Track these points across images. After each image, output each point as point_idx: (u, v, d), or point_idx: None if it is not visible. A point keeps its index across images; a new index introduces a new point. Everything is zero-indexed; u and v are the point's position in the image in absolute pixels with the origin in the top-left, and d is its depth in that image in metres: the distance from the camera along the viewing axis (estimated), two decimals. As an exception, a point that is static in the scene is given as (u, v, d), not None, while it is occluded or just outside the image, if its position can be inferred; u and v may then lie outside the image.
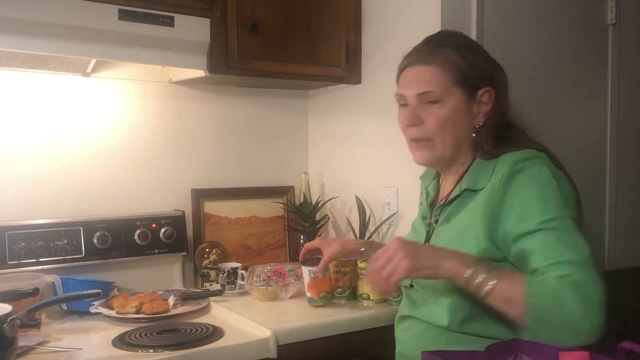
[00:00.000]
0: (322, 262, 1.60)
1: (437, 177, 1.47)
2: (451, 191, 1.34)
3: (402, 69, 1.36)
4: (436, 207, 1.38)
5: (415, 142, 1.34)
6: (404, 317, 1.39)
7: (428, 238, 1.37)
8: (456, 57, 1.28)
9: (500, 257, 1.20)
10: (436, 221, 1.36)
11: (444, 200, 1.36)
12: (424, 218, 1.44)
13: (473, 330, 1.22)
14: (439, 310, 1.25)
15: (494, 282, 1.09)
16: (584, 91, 2.05)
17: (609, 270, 2.04)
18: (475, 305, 1.18)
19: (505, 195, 1.19)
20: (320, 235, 2.10)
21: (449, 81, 1.28)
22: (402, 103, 1.36)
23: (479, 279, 1.10)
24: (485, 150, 1.29)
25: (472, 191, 1.28)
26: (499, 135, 1.30)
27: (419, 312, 1.32)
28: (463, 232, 1.25)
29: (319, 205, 2.14)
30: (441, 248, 1.20)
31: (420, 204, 1.51)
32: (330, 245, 1.61)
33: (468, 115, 1.30)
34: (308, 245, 1.69)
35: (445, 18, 1.73)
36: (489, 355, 1.02)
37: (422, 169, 1.79)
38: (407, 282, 1.36)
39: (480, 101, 1.30)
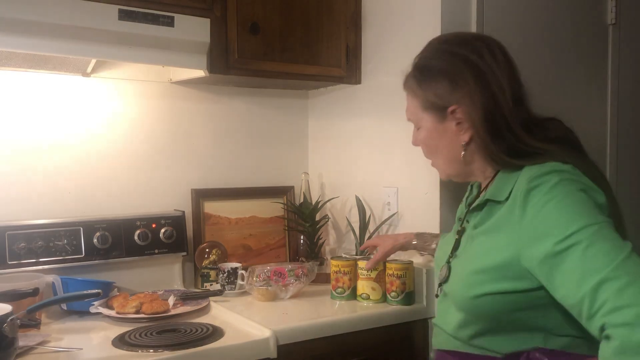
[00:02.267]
0: (375, 258, 1.71)
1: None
2: (477, 197, 1.31)
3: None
4: (467, 211, 1.33)
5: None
6: (434, 324, 1.37)
7: (458, 243, 1.32)
8: (414, 84, 1.29)
9: (534, 286, 1.08)
10: (464, 229, 1.32)
11: (472, 205, 1.30)
12: (459, 219, 1.39)
13: (482, 345, 1.18)
14: (453, 322, 1.24)
15: None
16: (583, 91, 2.05)
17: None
18: (494, 322, 1.15)
19: (524, 217, 1.09)
20: (320, 235, 2.10)
21: (418, 107, 1.29)
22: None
23: None
24: (500, 163, 1.21)
25: (495, 202, 1.20)
26: (513, 145, 1.18)
27: (441, 320, 1.31)
28: (487, 250, 1.17)
29: (319, 205, 2.14)
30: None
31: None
32: (384, 241, 1.71)
33: (446, 135, 1.24)
34: (368, 242, 1.81)
35: (445, 18, 1.73)
36: None
37: (423, 169, 1.80)
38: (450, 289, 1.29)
39: (455, 118, 1.22)
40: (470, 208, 1.29)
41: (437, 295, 1.35)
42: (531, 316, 1.12)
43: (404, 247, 1.70)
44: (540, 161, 1.14)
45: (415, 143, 1.35)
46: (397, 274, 1.71)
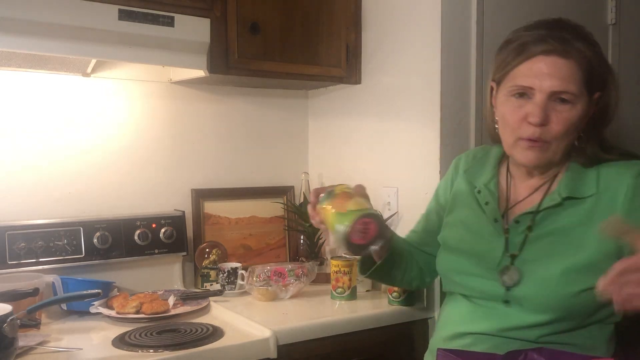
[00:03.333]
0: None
1: (496, 175, 1.35)
2: (543, 197, 1.24)
3: (528, 54, 1.17)
4: (523, 214, 1.24)
5: (531, 141, 1.19)
6: (465, 333, 1.25)
7: (515, 246, 1.24)
8: (590, 54, 1.16)
9: None
10: (529, 228, 1.23)
11: (532, 204, 1.25)
12: (495, 220, 1.28)
13: (553, 340, 1.17)
14: (517, 324, 1.18)
15: None
16: (584, 91, 2.05)
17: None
18: (581, 318, 1.15)
19: (632, 212, 1.12)
20: (320, 235, 2.10)
21: (581, 81, 1.15)
22: (520, 92, 1.19)
23: None
24: (589, 156, 1.21)
25: (574, 199, 1.20)
26: (605, 140, 1.22)
27: (486, 325, 1.22)
28: (581, 246, 1.16)
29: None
30: None
31: (487, 204, 1.31)
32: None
33: (582, 120, 1.19)
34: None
35: (446, 18, 1.73)
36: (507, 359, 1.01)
37: (423, 169, 1.80)
38: (500, 296, 1.22)
39: (592, 105, 1.20)
40: (538, 209, 1.23)
41: (507, 302, 1.21)
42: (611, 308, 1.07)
43: None
44: (621, 158, 1.21)
45: (556, 122, 1.16)
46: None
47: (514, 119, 1.20)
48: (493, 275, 1.22)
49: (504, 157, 1.37)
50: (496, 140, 1.34)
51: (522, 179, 1.31)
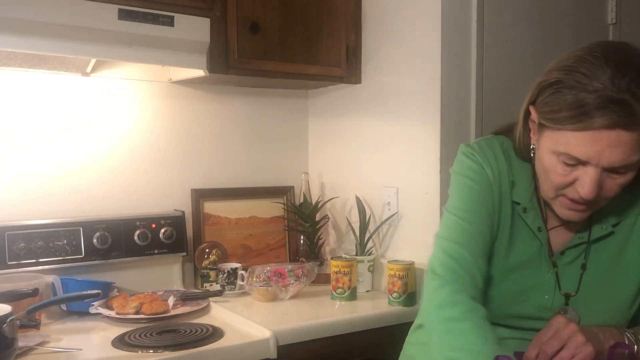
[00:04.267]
0: None
1: (534, 190, 1.15)
2: (591, 226, 1.14)
3: (588, 124, 0.95)
4: (571, 246, 1.14)
5: (575, 204, 1.05)
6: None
7: (567, 282, 1.14)
8: None
9: None
10: (582, 266, 1.14)
11: (584, 236, 1.14)
12: (549, 255, 1.14)
13: None
14: None
15: None
16: (584, 91, 2.05)
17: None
18: None
19: None
20: (320, 235, 2.10)
21: (637, 147, 0.97)
22: (573, 163, 1.01)
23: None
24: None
25: (619, 224, 1.14)
26: None
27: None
28: (635, 264, 1.13)
29: (319, 205, 2.14)
30: (599, 328, 1.03)
31: (539, 230, 1.14)
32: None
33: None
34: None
35: (446, 18, 1.73)
36: None
37: (423, 169, 1.80)
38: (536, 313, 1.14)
39: None
40: (590, 241, 1.14)
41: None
42: None
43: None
44: None
45: (609, 189, 1.02)
46: (398, 274, 1.71)
47: (560, 180, 1.04)
48: (547, 315, 1.11)
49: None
50: (523, 154, 1.17)
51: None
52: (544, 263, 1.14)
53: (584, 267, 1.13)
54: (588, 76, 0.96)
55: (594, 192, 0.99)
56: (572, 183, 1.02)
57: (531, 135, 1.11)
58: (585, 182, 1.00)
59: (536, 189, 1.14)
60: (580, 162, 1.00)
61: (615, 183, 1.01)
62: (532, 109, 1.07)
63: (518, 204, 1.14)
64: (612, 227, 1.12)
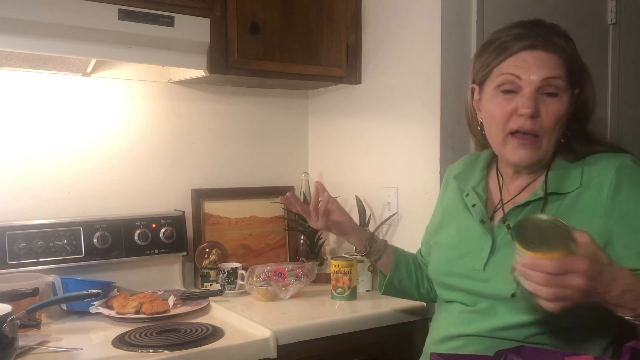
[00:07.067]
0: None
1: (485, 177, 1.36)
2: (530, 193, 1.24)
3: (511, 51, 1.20)
4: (509, 210, 1.25)
5: (521, 138, 1.19)
6: (458, 337, 1.26)
7: (499, 245, 1.24)
8: (570, 50, 1.20)
9: None
10: (509, 227, 1.23)
11: (519, 202, 1.24)
12: (482, 222, 1.28)
13: (541, 341, 1.16)
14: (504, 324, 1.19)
15: None
16: (584, 91, 2.05)
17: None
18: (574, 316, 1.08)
19: (614, 209, 1.14)
20: (320, 235, 2.10)
21: (565, 76, 1.18)
22: (508, 89, 1.20)
23: None
24: (576, 152, 1.23)
25: (557, 194, 1.21)
26: (590, 133, 1.26)
27: (477, 327, 1.22)
28: None
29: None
30: (613, 265, 1.01)
31: (473, 206, 1.31)
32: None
33: (566, 114, 1.21)
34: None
35: (446, 18, 1.73)
36: None
37: (423, 169, 1.80)
38: (488, 295, 1.22)
39: (573, 100, 1.22)
40: (521, 204, 1.23)
41: (513, 295, 1.19)
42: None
43: (344, 230, 1.55)
44: (606, 150, 1.23)
45: (545, 115, 1.17)
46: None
47: (503, 112, 1.20)
48: (480, 276, 1.23)
49: (493, 160, 1.37)
50: (483, 143, 1.36)
51: (512, 179, 1.31)
52: (486, 231, 1.26)
53: (508, 227, 1.23)
54: (504, 30, 1.24)
55: (531, 106, 1.16)
56: (514, 112, 1.19)
57: (475, 107, 1.32)
58: (524, 101, 1.17)
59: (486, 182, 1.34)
60: (515, 90, 1.18)
61: (551, 109, 1.17)
62: (473, 86, 1.31)
63: (463, 190, 1.36)
64: (543, 193, 1.21)
